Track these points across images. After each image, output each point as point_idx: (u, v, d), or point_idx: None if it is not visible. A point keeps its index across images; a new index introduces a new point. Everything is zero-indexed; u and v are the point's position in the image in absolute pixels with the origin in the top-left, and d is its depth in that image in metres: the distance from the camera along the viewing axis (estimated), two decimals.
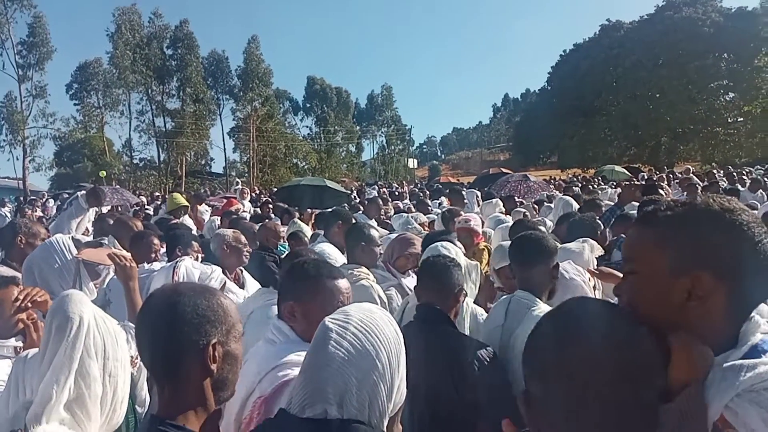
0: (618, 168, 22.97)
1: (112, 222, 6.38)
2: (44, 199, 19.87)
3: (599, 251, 3.69)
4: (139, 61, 42.08)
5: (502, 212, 6.97)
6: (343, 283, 2.00)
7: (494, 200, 7.76)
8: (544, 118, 49.76)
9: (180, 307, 1.35)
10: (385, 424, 1.43)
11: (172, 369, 1.35)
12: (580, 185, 15.24)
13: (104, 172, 33.35)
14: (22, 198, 24.29)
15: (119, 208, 14.18)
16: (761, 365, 1.04)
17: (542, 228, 4.46)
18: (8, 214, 13.33)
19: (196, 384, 1.35)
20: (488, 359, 2.37)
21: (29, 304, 2.29)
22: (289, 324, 1.95)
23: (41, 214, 14.50)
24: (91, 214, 7.35)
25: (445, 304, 2.57)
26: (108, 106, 43.84)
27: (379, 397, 1.38)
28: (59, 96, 55.97)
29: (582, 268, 3.16)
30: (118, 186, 20.29)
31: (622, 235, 4.56)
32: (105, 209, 13.00)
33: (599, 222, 4.46)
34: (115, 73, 41.90)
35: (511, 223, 5.21)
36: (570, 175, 35.37)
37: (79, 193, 8.67)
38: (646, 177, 17.90)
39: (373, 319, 1.45)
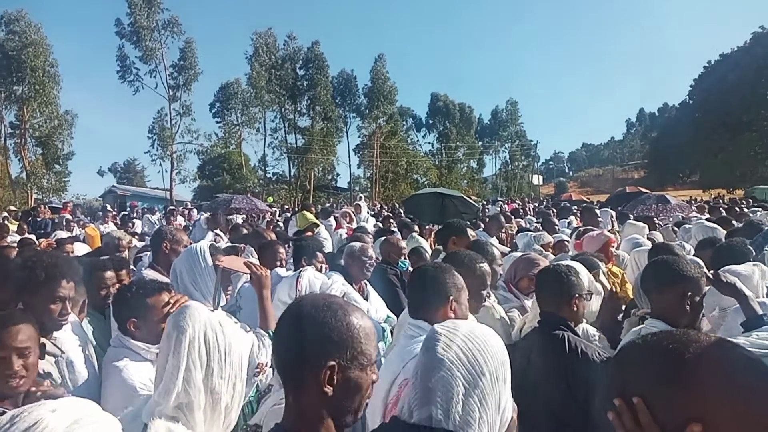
0: None
1: (247, 231, 6.82)
2: (189, 209, 21.59)
3: None
4: (274, 82, 44.53)
5: (643, 235, 6.26)
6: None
7: (640, 223, 6.90)
8: (684, 134, 46.41)
9: (308, 320, 1.33)
10: None
11: (293, 381, 1.34)
12: (725, 207, 13.91)
13: (271, 198, 35.69)
14: (169, 207, 26.63)
15: (252, 216, 15.11)
16: None
17: (681, 252, 4.10)
18: (156, 222, 14.64)
19: (311, 401, 1.31)
20: (603, 359, 2.38)
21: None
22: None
23: (185, 222, 15.79)
24: (210, 236, 8.05)
25: (562, 310, 2.58)
26: (245, 123, 46.98)
27: (488, 408, 1.35)
28: (203, 114, 61.01)
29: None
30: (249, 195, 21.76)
31: None
32: (239, 219, 14.02)
33: (750, 248, 4.01)
34: (253, 93, 44.64)
35: (649, 246, 4.83)
36: (713, 196, 32.59)
37: (202, 216, 9.46)
38: None
39: (480, 331, 1.46)
